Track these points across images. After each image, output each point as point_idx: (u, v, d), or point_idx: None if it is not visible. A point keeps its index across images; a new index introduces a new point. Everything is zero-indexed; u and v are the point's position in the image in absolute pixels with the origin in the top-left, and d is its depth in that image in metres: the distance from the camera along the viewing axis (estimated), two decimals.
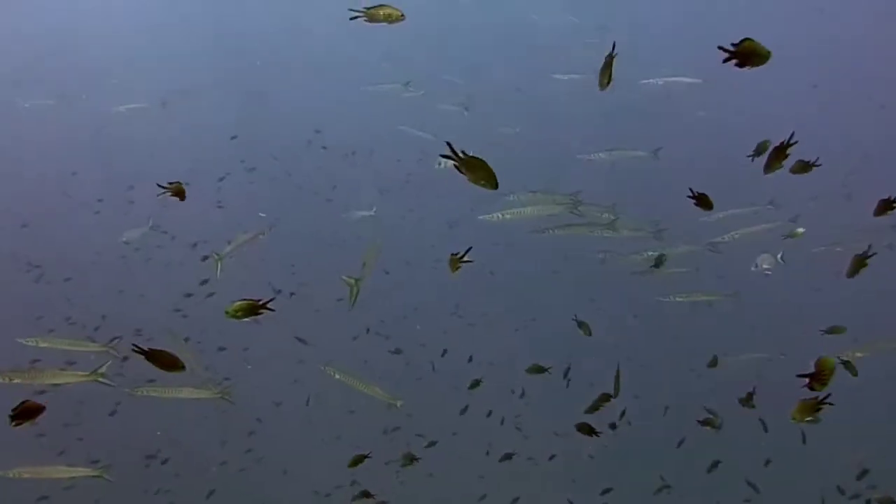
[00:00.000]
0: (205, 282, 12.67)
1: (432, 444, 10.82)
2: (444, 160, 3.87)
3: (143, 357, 4.75)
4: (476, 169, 4.09)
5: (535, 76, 18.86)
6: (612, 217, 10.74)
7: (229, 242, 9.28)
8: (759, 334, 14.09)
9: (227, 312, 4.51)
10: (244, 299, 4.58)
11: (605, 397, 7.29)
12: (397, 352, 13.20)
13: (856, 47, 19.10)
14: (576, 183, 10.39)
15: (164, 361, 4.87)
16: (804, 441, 9.91)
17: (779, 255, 10.00)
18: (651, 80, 15.49)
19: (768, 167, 5.64)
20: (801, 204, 11.86)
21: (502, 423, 12.34)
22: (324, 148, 16.82)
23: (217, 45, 21.44)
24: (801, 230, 8.46)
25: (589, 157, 11.22)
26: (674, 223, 11.60)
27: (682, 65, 15.86)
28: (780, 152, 5.54)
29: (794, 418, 5.59)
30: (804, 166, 6.34)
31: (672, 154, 13.40)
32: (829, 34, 19.29)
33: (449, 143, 3.88)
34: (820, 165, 6.17)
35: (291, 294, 13.76)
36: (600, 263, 12.59)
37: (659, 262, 9.53)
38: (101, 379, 6.62)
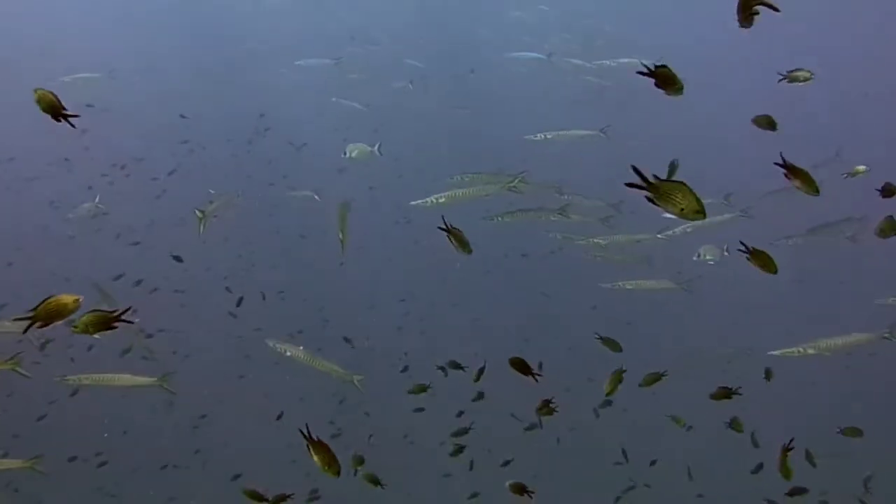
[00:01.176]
0: (138, 283, 12.19)
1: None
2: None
3: None
4: (676, 195, 3.33)
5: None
6: (559, 194, 10.52)
7: (211, 202, 9.14)
8: (720, 328, 14.00)
9: (75, 327, 4.02)
10: (94, 310, 4.07)
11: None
12: (350, 344, 12.70)
13: (834, 30, 18.99)
14: (527, 165, 10.19)
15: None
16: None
17: (724, 248, 9.84)
18: (605, 62, 15.21)
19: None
20: (760, 198, 11.69)
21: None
22: (266, 129, 16.19)
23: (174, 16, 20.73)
24: (862, 167, 7.94)
25: (535, 138, 10.88)
26: (624, 211, 11.44)
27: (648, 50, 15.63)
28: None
29: None
30: (769, 120, 6.02)
31: (627, 140, 13.18)
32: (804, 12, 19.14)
33: (636, 168, 3.24)
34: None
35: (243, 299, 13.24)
36: (554, 252, 12.26)
37: (672, 169, 8.71)
38: (17, 369, 6.14)
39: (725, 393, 7.15)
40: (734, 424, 8.29)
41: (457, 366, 8.74)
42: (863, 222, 10.89)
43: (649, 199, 3.38)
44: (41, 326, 3.94)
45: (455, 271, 15.82)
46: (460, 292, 15.80)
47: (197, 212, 8.78)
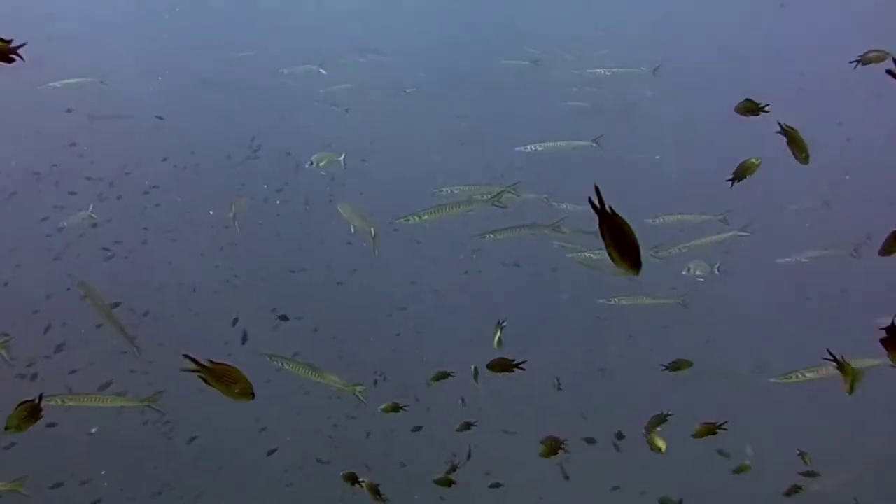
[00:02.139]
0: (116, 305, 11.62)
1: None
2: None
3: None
4: None
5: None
6: (546, 202, 10.37)
7: (233, 205, 9.14)
8: (729, 347, 13.74)
9: (7, 428, 3.95)
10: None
11: None
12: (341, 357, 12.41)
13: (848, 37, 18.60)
14: (526, 174, 10.06)
15: None
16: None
17: (716, 266, 9.67)
18: (598, 70, 15.08)
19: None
20: (759, 215, 11.42)
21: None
22: (255, 151, 15.84)
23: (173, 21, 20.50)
24: None
25: (525, 149, 10.69)
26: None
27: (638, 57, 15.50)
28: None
29: None
30: (748, 106, 5.39)
31: (627, 152, 12.91)
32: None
33: None
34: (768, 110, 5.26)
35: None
36: (557, 269, 12.04)
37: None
38: None
39: (710, 429, 6.65)
40: (804, 457, 8.05)
41: (443, 375, 8.44)
42: (868, 240, 10.77)
43: None
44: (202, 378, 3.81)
45: (451, 280, 15.63)
46: (457, 302, 15.58)
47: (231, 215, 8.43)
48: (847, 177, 11.66)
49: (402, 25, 20.83)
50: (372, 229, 7.53)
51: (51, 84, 15.17)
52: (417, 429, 11.31)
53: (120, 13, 20.09)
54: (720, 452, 9.41)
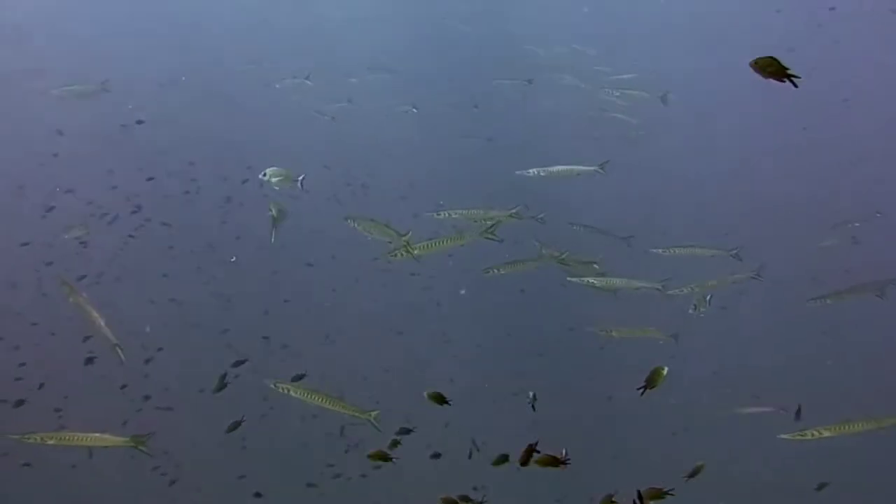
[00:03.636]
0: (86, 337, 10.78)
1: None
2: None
3: None
4: None
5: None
6: (539, 221, 10.08)
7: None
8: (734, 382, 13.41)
9: None
10: None
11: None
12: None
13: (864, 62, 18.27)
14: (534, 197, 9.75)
15: None
16: None
17: (707, 298, 9.62)
18: (605, 90, 14.90)
19: None
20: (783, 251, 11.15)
21: None
22: (245, 181, 15.28)
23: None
24: None
25: (527, 173, 10.31)
26: (621, 252, 10.83)
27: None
28: None
29: None
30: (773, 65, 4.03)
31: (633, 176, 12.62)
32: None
33: None
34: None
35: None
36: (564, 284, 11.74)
37: None
38: None
39: None
40: None
41: (441, 399, 7.71)
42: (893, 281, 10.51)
43: None
44: None
45: (446, 303, 15.28)
46: (454, 325, 15.23)
47: (272, 212, 8.21)
48: (878, 214, 11.36)
49: (411, 45, 20.63)
50: (404, 239, 7.34)
51: (51, 91, 14.87)
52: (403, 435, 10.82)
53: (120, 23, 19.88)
54: None
